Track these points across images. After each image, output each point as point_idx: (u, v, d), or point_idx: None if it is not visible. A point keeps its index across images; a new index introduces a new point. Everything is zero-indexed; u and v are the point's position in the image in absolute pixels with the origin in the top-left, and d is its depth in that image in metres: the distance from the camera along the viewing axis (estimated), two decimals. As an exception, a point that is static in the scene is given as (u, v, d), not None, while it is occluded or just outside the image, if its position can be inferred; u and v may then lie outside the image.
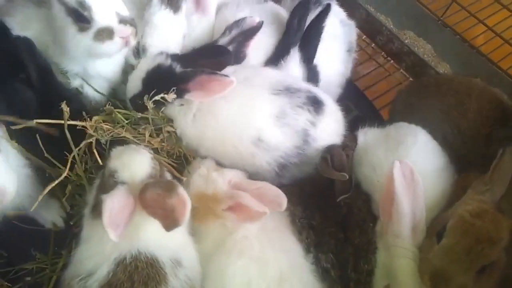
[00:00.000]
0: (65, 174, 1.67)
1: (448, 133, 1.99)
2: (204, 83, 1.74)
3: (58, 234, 1.89)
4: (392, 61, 3.06)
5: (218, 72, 1.75)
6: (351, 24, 2.47)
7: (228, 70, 1.86)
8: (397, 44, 2.98)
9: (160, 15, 1.97)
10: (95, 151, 1.71)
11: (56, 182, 1.64)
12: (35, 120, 1.65)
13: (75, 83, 1.97)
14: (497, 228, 1.48)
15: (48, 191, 1.74)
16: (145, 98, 1.78)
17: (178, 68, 1.83)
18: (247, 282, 1.49)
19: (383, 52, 3.10)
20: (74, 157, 1.72)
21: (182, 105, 1.80)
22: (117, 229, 1.33)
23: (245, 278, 1.49)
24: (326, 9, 2.03)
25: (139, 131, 1.83)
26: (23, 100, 1.77)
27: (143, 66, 1.89)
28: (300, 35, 2.04)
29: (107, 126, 1.78)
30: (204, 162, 1.80)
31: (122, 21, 1.78)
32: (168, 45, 2.00)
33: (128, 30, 1.80)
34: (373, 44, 3.14)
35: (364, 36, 3.14)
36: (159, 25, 1.98)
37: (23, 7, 1.92)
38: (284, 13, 2.27)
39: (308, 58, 2.06)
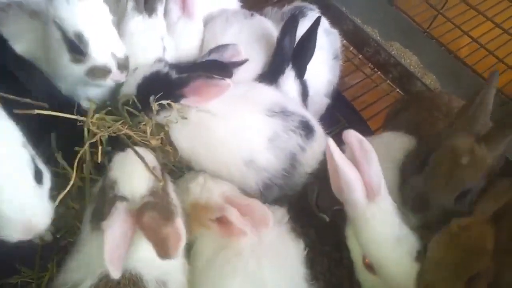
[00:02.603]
0: (74, 177, 1.63)
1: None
2: (201, 88, 1.74)
3: (45, 248, 1.85)
4: (379, 72, 3.09)
5: (215, 76, 1.73)
6: (335, 32, 2.48)
7: None
8: (384, 56, 3.02)
9: (134, 23, 1.95)
10: (100, 148, 1.69)
11: (69, 187, 1.61)
12: (36, 111, 1.58)
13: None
14: (484, 240, 1.49)
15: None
16: (151, 99, 1.77)
17: (174, 74, 1.83)
18: None
19: (370, 63, 3.13)
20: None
21: (185, 118, 1.79)
22: (119, 263, 1.27)
23: None
24: (316, 24, 2.04)
25: (139, 127, 1.82)
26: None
27: (141, 72, 1.88)
28: (291, 53, 2.04)
29: (109, 123, 1.78)
30: (201, 172, 1.80)
31: (120, 66, 1.78)
32: (147, 51, 1.98)
33: (122, 76, 1.81)
34: (360, 56, 3.17)
35: (351, 48, 3.17)
36: (135, 33, 1.95)
37: (16, 17, 1.90)
38: (271, 26, 2.29)
39: (301, 74, 2.08)
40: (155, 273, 1.40)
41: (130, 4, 1.93)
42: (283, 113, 1.82)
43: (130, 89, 1.87)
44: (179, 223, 1.32)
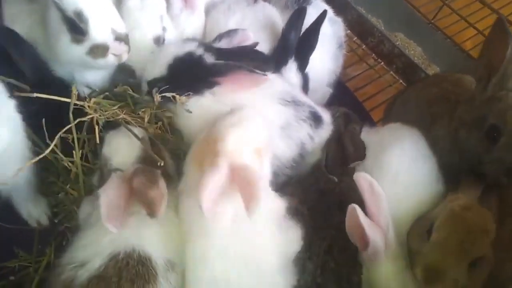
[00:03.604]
0: (50, 148, 1.61)
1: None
2: (239, 79, 1.71)
3: (43, 232, 1.85)
4: (382, 63, 3.06)
5: (256, 70, 1.70)
6: (339, 20, 2.46)
7: None
8: (388, 46, 2.99)
9: (133, 0, 1.92)
10: (96, 129, 1.70)
11: (45, 153, 1.60)
12: (36, 94, 1.61)
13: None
14: (485, 220, 1.53)
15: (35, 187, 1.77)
16: (154, 91, 1.76)
17: (209, 59, 1.79)
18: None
19: (373, 54, 3.10)
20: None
21: (190, 112, 1.76)
22: (117, 222, 1.35)
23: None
24: (321, 18, 2.02)
25: (139, 113, 1.81)
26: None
27: (170, 50, 1.83)
28: (295, 45, 2.02)
29: (106, 107, 1.78)
30: None
31: (118, 38, 1.75)
32: (143, 28, 1.94)
33: (122, 48, 1.78)
34: (363, 46, 3.14)
35: (355, 38, 3.14)
36: (132, 10, 1.92)
37: (14, 1, 1.88)
38: (275, 13, 2.26)
39: (303, 67, 2.06)
40: (164, 254, 1.44)
41: None
42: (295, 102, 1.81)
43: (159, 69, 1.82)
44: (163, 185, 1.41)
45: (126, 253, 1.37)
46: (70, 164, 1.74)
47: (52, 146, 1.61)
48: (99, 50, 1.73)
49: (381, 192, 1.55)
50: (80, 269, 1.36)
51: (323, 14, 2.03)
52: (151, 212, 1.37)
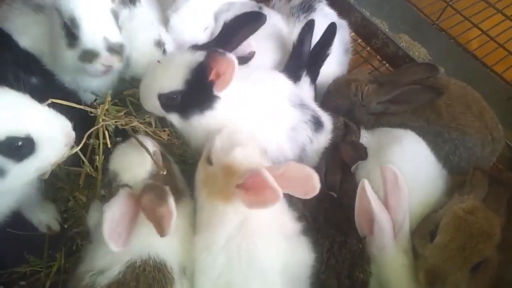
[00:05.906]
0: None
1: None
2: (218, 66, 1.61)
3: (53, 238, 1.88)
4: (387, 64, 3.06)
5: (218, 49, 1.61)
6: (344, 25, 2.50)
7: (243, 71, 1.74)
8: (392, 48, 2.99)
9: (122, 13, 1.91)
10: (106, 135, 1.72)
11: (75, 150, 1.59)
12: (51, 100, 1.58)
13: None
14: (490, 224, 1.54)
15: (44, 194, 1.80)
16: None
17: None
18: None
19: (378, 56, 3.10)
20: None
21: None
22: (119, 239, 1.38)
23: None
24: (331, 32, 2.05)
25: (144, 119, 1.83)
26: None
27: (183, 62, 1.71)
28: (307, 59, 2.05)
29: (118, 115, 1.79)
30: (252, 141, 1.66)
31: (110, 48, 1.75)
32: (140, 36, 1.96)
33: (112, 59, 1.77)
34: (368, 48, 3.14)
35: (360, 40, 3.14)
36: (124, 22, 1.91)
37: (21, 12, 1.91)
38: (279, 20, 2.28)
39: (314, 79, 2.10)
40: (178, 260, 1.50)
41: None
42: (302, 105, 1.84)
43: (173, 81, 1.70)
44: (171, 202, 1.39)
45: (143, 260, 1.44)
46: (91, 169, 1.74)
47: (77, 149, 1.61)
48: (88, 56, 1.73)
49: (404, 186, 1.59)
50: (99, 276, 1.42)
51: (333, 27, 2.05)
52: (160, 229, 1.37)
